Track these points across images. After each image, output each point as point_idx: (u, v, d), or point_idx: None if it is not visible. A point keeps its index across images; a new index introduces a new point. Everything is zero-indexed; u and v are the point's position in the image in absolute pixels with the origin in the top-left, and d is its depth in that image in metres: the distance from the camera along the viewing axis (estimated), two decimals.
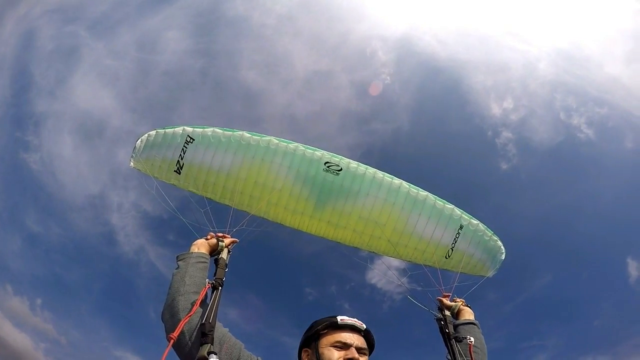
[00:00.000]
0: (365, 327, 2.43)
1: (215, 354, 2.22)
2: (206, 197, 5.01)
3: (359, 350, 2.27)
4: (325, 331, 2.36)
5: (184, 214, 4.88)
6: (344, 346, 2.25)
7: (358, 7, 24.20)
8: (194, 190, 5.05)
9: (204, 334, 2.42)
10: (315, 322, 2.47)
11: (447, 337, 3.50)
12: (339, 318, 2.38)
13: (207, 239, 3.13)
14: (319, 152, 4.61)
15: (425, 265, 4.79)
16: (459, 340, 3.35)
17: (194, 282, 2.63)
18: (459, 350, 3.25)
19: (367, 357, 2.33)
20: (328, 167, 4.53)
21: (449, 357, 3.40)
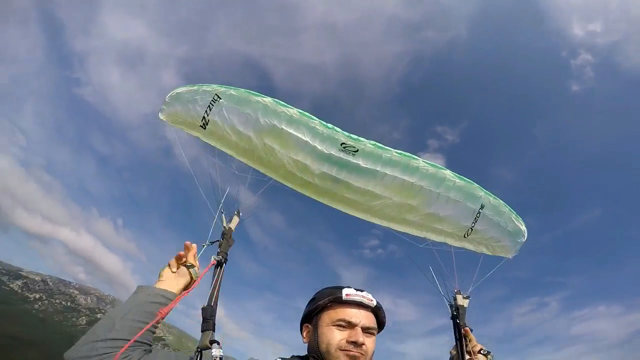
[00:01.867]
0: (375, 302, 2.16)
1: (218, 343, 2.06)
2: (228, 153, 5.20)
3: (366, 330, 2.03)
4: (329, 305, 2.12)
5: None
6: (348, 325, 2.01)
7: None
8: (217, 145, 5.21)
9: (205, 319, 2.25)
10: (319, 293, 2.24)
11: (458, 328, 3.55)
12: (344, 292, 2.11)
13: (171, 266, 2.44)
14: (337, 131, 4.51)
15: (436, 246, 4.86)
16: (482, 353, 3.36)
17: (126, 327, 1.91)
18: (466, 344, 3.31)
19: (374, 337, 2.10)
20: (344, 147, 4.44)
21: (456, 349, 3.47)
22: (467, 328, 3.56)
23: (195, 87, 5.27)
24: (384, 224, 5.02)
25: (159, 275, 2.30)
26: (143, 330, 1.93)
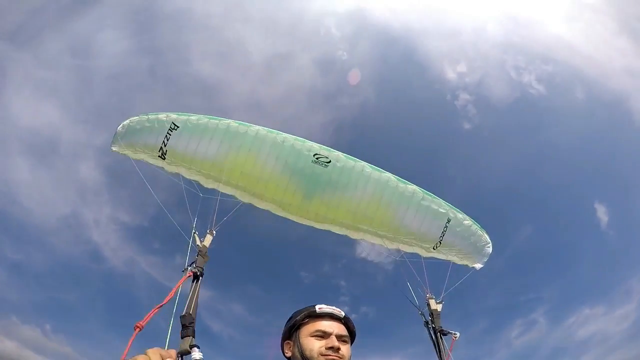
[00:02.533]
0: (344, 314, 2.39)
1: (198, 347, 2.16)
2: (193, 181, 4.98)
3: (339, 337, 2.22)
4: (305, 321, 2.31)
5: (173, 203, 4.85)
6: (324, 334, 2.20)
7: None
8: (181, 173, 5.01)
9: (185, 326, 2.40)
10: (295, 312, 2.43)
11: (433, 331, 3.76)
12: (317, 307, 2.34)
13: None
14: (308, 144, 4.52)
15: (409, 257, 4.90)
16: (445, 334, 3.58)
17: None
18: (443, 344, 3.51)
19: (348, 344, 2.29)
20: (317, 158, 4.45)
21: (435, 350, 3.63)
22: (455, 335, 3.65)
23: (148, 116, 5.04)
24: (355, 236, 4.97)
25: None
26: None
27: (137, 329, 2.13)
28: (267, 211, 5.01)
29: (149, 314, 2.22)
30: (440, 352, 3.47)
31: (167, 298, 2.42)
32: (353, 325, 2.45)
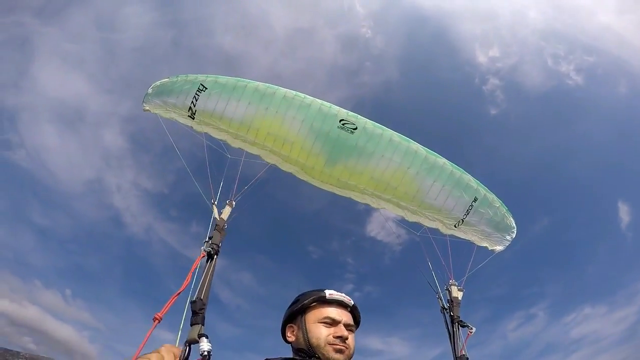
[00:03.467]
0: (352, 303, 2.36)
1: (207, 336, 2.08)
2: (220, 140, 5.05)
3: (347, 326, 2.21)
4: (313, 305, 2.27)
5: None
6: (333, 322, 2.17)
7: None
8: (210, 133, 5.05)
9: (195, 312, 2.29)
10: (302, 295, 2.38)
11: (450, 320, 3.65)
12: (327, 292, 2.28)
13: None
14: (335, 109, 4.42)
15: (431, 234, 4.77)
16: (463, 325, 3.47)
17: None
18: (460, 335, 3.43)
19: (354, 333, 2.29)
20: (343, 124, 4.34)
21: (450, 340, 3.55)
22: (471, 330, 3.50)
23: (178, 78, 5.14)
24: (376, 205, 4.89)
25: None
26: None
27: (156, 321, 2.08)
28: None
29: (167, 304, 2.16)
30: (455, 343, 3.37)
31: (184, 284, 2.36)
32: (359, 315, 2.42)
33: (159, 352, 1.94)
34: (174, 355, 1.98)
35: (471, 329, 3.47)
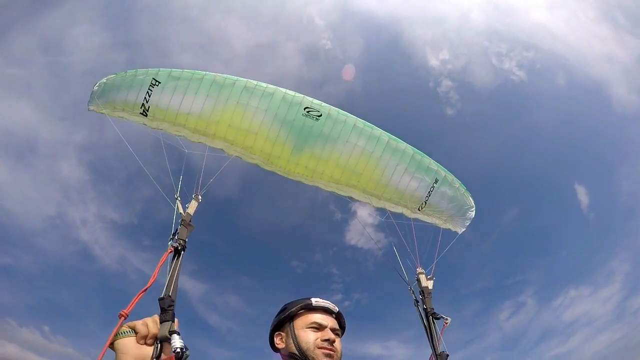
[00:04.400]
0: (337, 309, 2.48)
1: (178, 333, 2.07)
2: (178, 136, 4.79)
3: (333, 331, 2.32)
4: (300, 312, 2.38)
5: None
6: (320, 327, 2.28)
7: None
8: (165, 129, 4.80)
9: (164, 310, 2.27)
10: (289, 303, 2.48)
11: (424, 313, 3.59)
12: (313, 300, 2.41)
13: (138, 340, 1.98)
14: (299, 96, 4.40)
15: (396, 219, 4.87)
16: (437, 317, 3.45)
17: None
18: (435, 328, 3.38)
19: (340, 338, 2.39)
20: (308, 112, 4.34)
21: (426, 335, 3.44)
22: (447, 321, 3.39)
23: (127, 73, 4.84)
24: (343, 192, 4.94)
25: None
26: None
27: (122, 318, 2.03)
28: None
29: (132, 300, 2.13)
30: (432, 336, 3.26)
31: (150, 281, 2.34)
32: (344, 321, 2.54)
33: (144, 321, 1.99)
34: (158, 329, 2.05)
35: (447, 320, 3.42)
